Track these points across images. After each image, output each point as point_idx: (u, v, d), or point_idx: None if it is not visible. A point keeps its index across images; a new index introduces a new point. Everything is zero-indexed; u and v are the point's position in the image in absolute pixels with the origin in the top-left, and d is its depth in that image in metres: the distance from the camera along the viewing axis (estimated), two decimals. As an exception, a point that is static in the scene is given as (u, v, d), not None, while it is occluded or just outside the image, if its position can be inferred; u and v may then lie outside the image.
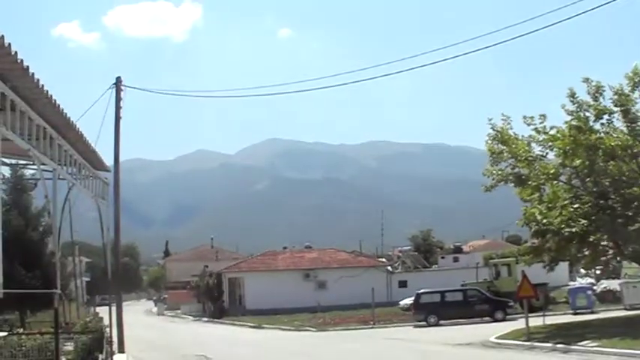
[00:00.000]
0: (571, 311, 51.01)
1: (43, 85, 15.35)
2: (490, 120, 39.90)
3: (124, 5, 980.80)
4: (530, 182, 39.19)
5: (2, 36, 12.09)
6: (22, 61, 13.48)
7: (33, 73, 14.40)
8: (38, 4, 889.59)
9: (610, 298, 55.79)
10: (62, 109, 17.60)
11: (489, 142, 39.91)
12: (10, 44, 12.54)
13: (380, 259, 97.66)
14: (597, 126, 37.47)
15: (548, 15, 30.28)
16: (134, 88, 38.81)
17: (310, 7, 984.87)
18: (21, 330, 34.30)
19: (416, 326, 53.62)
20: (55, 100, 16.71)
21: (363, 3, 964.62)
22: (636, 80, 36.55)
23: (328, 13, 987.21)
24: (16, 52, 12.98)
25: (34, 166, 22.86)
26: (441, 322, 53.35)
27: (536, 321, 39.51)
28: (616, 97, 36.65)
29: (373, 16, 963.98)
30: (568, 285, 62.18)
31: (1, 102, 14.34)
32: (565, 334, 34.35)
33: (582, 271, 75.04)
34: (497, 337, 37.05)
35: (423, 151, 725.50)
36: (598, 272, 73.01)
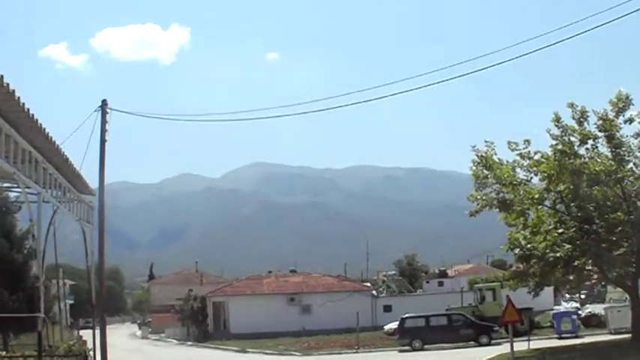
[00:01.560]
0: (556, 336, 51.10)
1: (29, 109, 15.36)
2: (474, 147, 40.01)
3: (111, 28, 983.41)
4: (514, 207, 39.32)
5: (-11, 59, 12.10)
6: (8, 84, 13.50)
7: (19, 97, 14.41)
8: (26, 24, 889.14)
9: (594, 322, 55.88)
10: (48, 133, 17.60)
11: (474, 167, 40.01)
12: (-4, 68, 12.56)
13: (365, 284, 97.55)
14: (582, 151, 37.78)
15: (531, 41, 30.44)
16: (119, 111, 38.59)
17: (298, 32, 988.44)
18: (3, 353, 34.12)
19: (400, 351, 53.53)
20: (40, 124, 16.73)
21: (351, 28, 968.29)
22: (620, 106, 36.85)
23: (316, 37, 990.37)
24: (2, 77, 12.99)
25: (19, 189, 22.82)
26: (426, 346, 53.32)
27: (521, 345, 39.61)
28: (600, 122, 36.92)
29: (359, 41, 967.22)
30: (553, 309, 62.22)
31: (-13, 125, 14.36)
32: (550, 359, 34.37)
33: (567, 295, 75.13)
34: (482, 362, 37.07)
35: (407, 176, 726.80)
36: (583, 297, 73.17)
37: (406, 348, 53.68)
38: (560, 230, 37.95)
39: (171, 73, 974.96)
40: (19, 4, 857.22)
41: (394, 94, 36.38)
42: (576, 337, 49.70)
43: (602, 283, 49.12)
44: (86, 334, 39.45)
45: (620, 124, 37.20)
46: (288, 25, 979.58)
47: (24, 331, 40.83)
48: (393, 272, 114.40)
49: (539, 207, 39.77)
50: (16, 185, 22.61)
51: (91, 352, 30.53)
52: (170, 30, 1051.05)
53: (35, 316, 20.41)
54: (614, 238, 36.03)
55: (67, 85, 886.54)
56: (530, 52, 30.43)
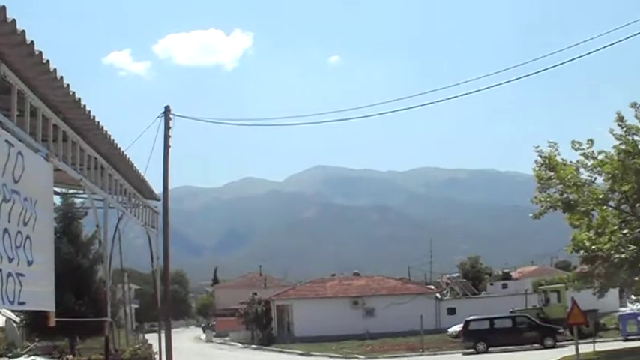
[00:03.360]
0: (621, 338, 50.54)
1: (94, 117, 15.64)
2: (537, 147, 39.64)
3: (174, 34, 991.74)
4: (578, 208, 38.89)
5: (55, 69, 12.38)
6: (74, 93, 13.76)
7: (85, 105, 14.68)
8: (90, 32, 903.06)
9: (661, 324, 55.14)
10: (113, 140, 17.89)
11: (537, 168, 39.67)
12: (62, 77, 12.82)
13: (428, 286, 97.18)
14: (646, 150, 37.23)
15: (594, 40, 30.22)
16: (182, 116, 39.02)
17: (360, 35, 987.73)
18: (70, 357, 34.69)
19: (465, 353, 53.39)
20: (106, 131, 17.01)
21: (412, 30, 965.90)
22: (684, 104, 36.32)
23: (377, 40, 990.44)
24: (68, 85, 13.26)
25: (84, 194, 23.20)
26: (490, 349, 53.09)
27: (586, 348, 39.27)
28: (664, 121, 36.45)
29: (421, 42, 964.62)
30: (618, 311, 61.49)
31: (54, 133, 14.65)
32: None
33: (633, 297, 74.09)
34: (546, 364, 36.82)
35: (471, 178, 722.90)
36: (649, 298, 72.13)
37: (470, 350, 53.53)
38: (625, 231, 37.49)
39: (234, 78, 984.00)
40: (83, 12, 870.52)
41: (455, 97, 36.26)
42: (643, 339, 49.15)
43: (669, 284, 48.47)
44: (151, 338, 39.94)
45: (686, 122, 36.71)
46: (349, 28, 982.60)
47: (90, 334, 41.47)
48: (457, 274, 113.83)
49: (604, 207, 39.31)
50: (81, 191, 22.98)
51: (157, 356, 30.90)
52: (232, 35, 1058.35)
53: (102, 320, 20.72)
54: (679, 239, 35.62)
55: (131, 92, 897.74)
56: (595, 51, 30.19)
